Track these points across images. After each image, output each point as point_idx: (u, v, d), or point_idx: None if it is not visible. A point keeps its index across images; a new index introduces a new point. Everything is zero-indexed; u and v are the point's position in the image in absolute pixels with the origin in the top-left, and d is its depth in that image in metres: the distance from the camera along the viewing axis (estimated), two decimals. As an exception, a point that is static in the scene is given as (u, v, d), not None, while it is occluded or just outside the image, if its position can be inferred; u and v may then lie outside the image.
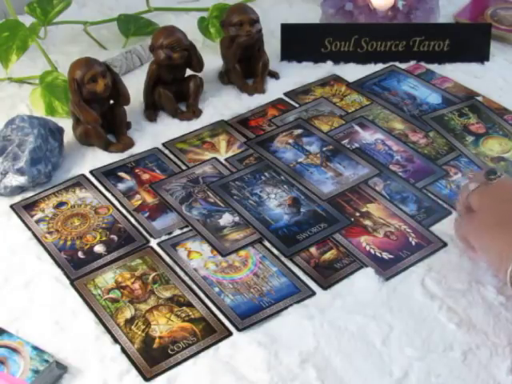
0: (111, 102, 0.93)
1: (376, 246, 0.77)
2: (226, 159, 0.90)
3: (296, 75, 1.06)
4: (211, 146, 0.93)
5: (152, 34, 0.98)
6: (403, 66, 1.07)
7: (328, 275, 0.74)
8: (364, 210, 0.82)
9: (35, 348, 0.65)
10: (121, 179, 0.88)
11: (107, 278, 0.74)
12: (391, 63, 1.08)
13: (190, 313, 0.70)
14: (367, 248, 0.77)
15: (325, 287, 0.73)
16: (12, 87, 1.06)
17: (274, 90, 1.03)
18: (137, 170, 0.89)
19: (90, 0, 1.27)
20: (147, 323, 0.69)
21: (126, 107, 0.94)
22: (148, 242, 0.79)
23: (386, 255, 0.76)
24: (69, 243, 0.79)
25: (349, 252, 0.76)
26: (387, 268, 0.75)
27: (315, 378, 0.64)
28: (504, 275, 0.65)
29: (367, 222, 0.80)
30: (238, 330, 0.69)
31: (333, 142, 0.92)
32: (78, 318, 0.71)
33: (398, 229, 0.79)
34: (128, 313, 0.71)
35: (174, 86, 0.98)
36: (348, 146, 0.91)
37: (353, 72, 1.06)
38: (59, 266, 0.76)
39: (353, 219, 0.80)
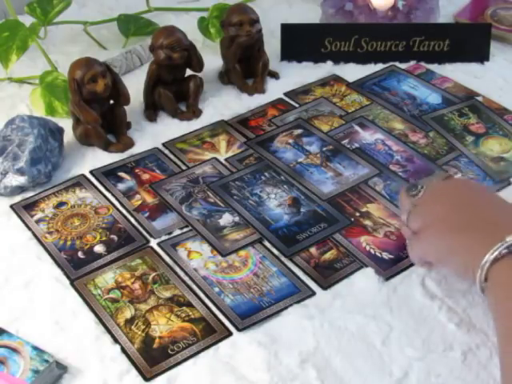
0: (111, 101, 0.93)
1: (376, 246, 0.77)
2: (226, 159, 0.90)
3: (296, 75, 1.06)
4: (211, 145, 0.93)
5: (152, 34, 0.98)
6: (403, 65, 1.07)
7: (328, 275, 0.74)
8: (364, 210, 0.82)
9: (35, 348, 0.65)
10: (121, 179, 0.88)
11: (107, 278, 0.74)
12: (391, 63, 1.08)
13: (190, 313, 0.71)
14: (367, 248, 0.77)
15: (325, 287, 0.73)
16: (12, 87, 1.06)
17: (274, 90, 1.03)
18: (137, 170, 0.89)
19: (90, 0, 1.27)
20: (147, 323, 0.70)
21: (126, 107, 0.94)
22: (148, 242, 0.79)
23: (385, 255, 0.76)
24: (69, 243, 0.79)
25: (349, 252, 0.76)
26: (387, 268, 0.75)
27: (315, 377, 0.64)
28: (473, 281, 0.63)
29: (367, 222, 0.80)
30: (238, 330, 0.69)
31: (333, 142, 0.92)
32: (78, 318, 0.71)
33: (398, 229, 0.79)
34: (128, 313, 0.71)
35: (174, 86, 0.98)
36: (348, 146, 0.91)
37: (353, 72, 1.06)
38: (59, 266, 0.76)
39: (353, 219, 0.80)
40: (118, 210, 0.83)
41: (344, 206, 0.82)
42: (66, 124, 0.93)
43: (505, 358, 0.58)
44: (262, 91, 1.03)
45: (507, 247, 0.60)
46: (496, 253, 0.61)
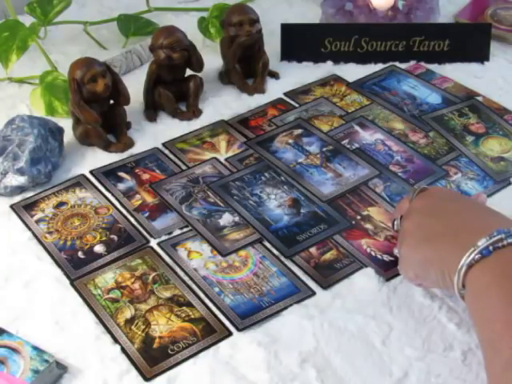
0: (111, 101, 0.93)
1: (377, 249, 0.77)
2: (226, 159, 0.90)
3: (296, 75, 1.06)
4: (211, 145, 0.93)
5: (152, 34, 0.98)
6: (403, 65, 1.07)
7: (328, 275, 0.74)
8: (365, 213, 0.82)
9: (35, 348, 0.65)
10: (121, 179, 0.88)
11: (107, 278, 0.74)
12: (391, 63, 1.08)
13: (190, 313, 0.71)
14: (368, 250, 0.77)
15: (325, 287, 0.73)
16: (12, 87, 1.06)
17: (274, 90, 1.03)
18: (137, 170, 0.89)
19: (90, 0, 1.27)
20: (147, 323, 0.70)
21: (126, 107, 0.94)
22: (148, 242, 0.79)
23: (386, 257, 0.76)
24: (69, 243, 0.79)
25: (349, 253, 0.76)
26: (388, 269, 0.74)
27: (315, 377, 0.64)
28: (452, 290, 0.62)
29: (368, 226, 0.80)
30: (238, 330, 0.69)
31: (333, 142, 0.92)
32: (77, 318, 0.71)
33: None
34: (128, 313, 0.71)
35: (173, 86, 0.98)
36: (348, 146, 0.91)
37: (353, 72, 1.06)
38: (59, 266, 0.76)
39: (354, 222, 0.80)
40: (118, 210, 0.83)
41: (345, 208, 0.82)
42: (66, 124, 0.93)
43: (489, 367, 0.56)
44: (262, 91, 1.03)
45: (479, 252, 0.59)
46: (470, 258, 0.60)
